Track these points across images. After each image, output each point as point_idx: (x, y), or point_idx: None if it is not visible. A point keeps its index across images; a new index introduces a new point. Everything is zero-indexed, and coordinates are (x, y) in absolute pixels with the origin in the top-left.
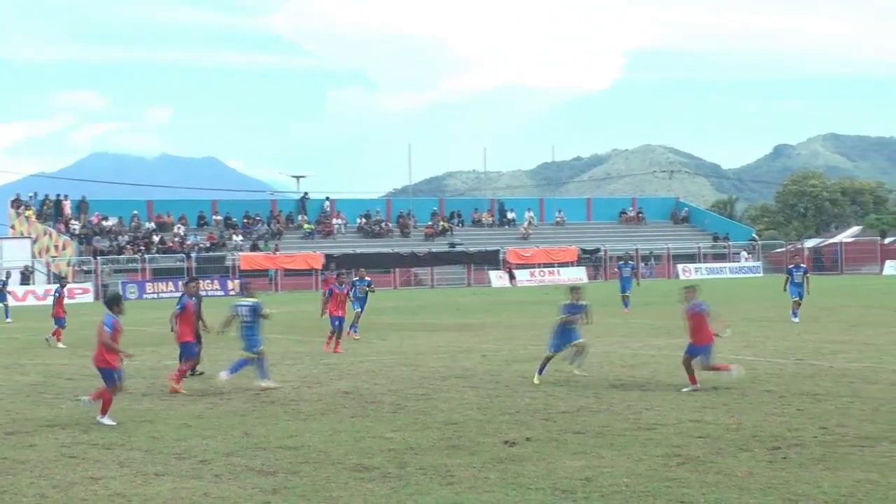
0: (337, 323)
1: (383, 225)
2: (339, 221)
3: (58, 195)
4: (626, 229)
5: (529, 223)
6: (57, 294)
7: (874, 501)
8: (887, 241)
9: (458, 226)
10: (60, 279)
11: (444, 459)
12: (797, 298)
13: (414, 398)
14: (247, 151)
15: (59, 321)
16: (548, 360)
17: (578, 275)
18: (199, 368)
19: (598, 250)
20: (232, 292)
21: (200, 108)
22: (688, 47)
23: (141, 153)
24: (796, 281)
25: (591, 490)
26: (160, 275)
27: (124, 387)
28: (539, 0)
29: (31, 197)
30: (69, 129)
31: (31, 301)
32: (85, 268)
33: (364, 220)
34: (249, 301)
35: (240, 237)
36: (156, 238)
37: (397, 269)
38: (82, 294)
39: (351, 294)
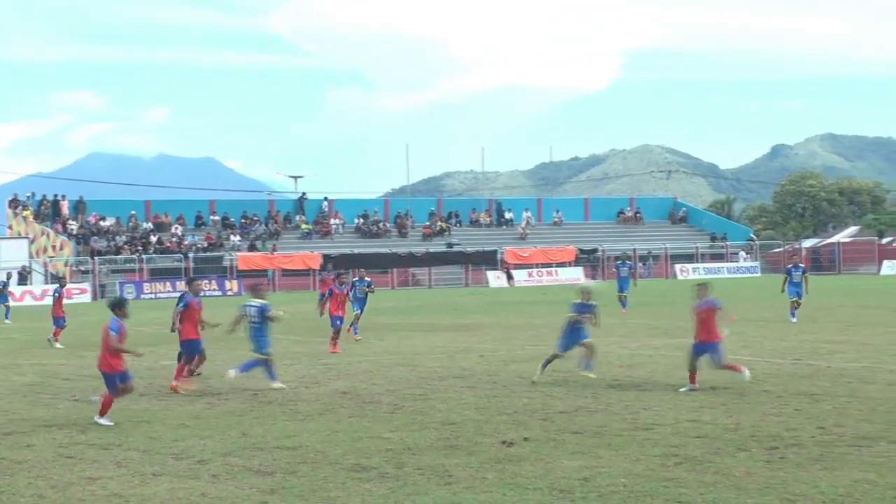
0: (339, 323)
1: (381, 225)
2: (337, 221)
3: (55, 195)
4: (624, 229)
5: (527, 223)
6: (56, 294)
7: (872, 501)
8: (885, 241)
9: (455, 226)
10: (60, 279)
11: (442, 459)
12: (795, 299)
13: (412, 398)
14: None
15: (58, 321)
16: (553, 358)
17: (576, 275)
18: (198, 369)
19: (595, 250)
20: (230, 292)
21: (198, 108)
22: (685, 47)
23: (138, 153)
24: (795, 281)
25: (588, 490)
26: (158, 275)
27: (133, 386)
28: (537, 0)
29: (28, 197)
30: (67, 129)
31: (28, 301)
32: (82, 268)
33: (362, 220)
34: (258, 302)
35: (237, 237)
36: (153, 238)
37: (395, 270)
38: (80, 294)
39: (350, 294)
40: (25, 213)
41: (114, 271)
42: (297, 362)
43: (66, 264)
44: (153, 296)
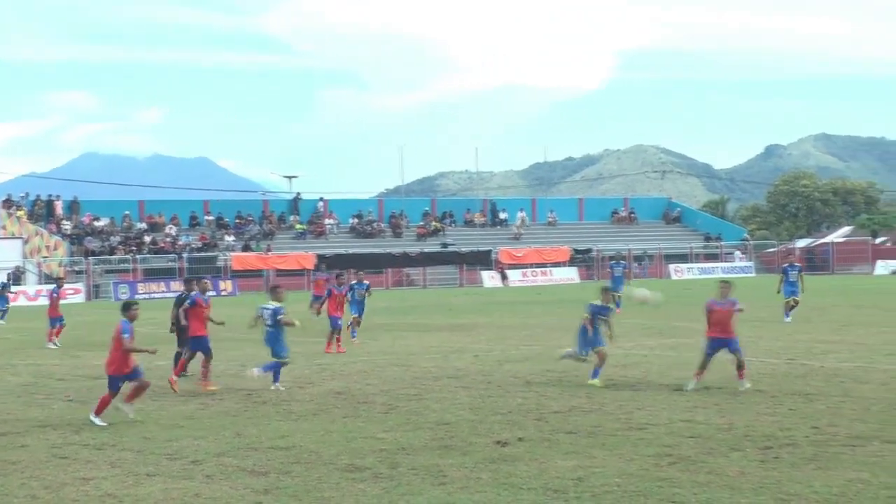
0: (339, 323)
1: (375, 225)
2: (331, 221)
3: (49, 195)
4: (618, 229)
5: (521, 223)
6: (56, 294)
7: (865, 500)
8: (878, 241)
9: (450, 226)
10: (57, 279)
11: (436, 459)
12: (791, 298)
13: (406, 398)
14: (239, 151)
15: (54, 321)
16: (579, 360)
17: (570, 275)
18: (189, 370)
19: (590, 250)
20: (224, 293)
21: (192, 108)
22: (680, 48)
23: (132, 153)
24: (791, 280)
25: (582, 490)
26: (152, 275)
27: (147, 381)
28: (531, 1)
29: (22, 197)
30: (61, 130)
31: (22, 301)
32: (76, 268)
33: (356, 220)
34: (273, 305)
35: (232, 237)
36: (147, 238)
37: (389, 270)
38: (74, 294)
39: (348, 296)
40: (19, 213)
41: (108, 271)
42: (291, 362)
43: (59, 265)
44: (147, 296)
